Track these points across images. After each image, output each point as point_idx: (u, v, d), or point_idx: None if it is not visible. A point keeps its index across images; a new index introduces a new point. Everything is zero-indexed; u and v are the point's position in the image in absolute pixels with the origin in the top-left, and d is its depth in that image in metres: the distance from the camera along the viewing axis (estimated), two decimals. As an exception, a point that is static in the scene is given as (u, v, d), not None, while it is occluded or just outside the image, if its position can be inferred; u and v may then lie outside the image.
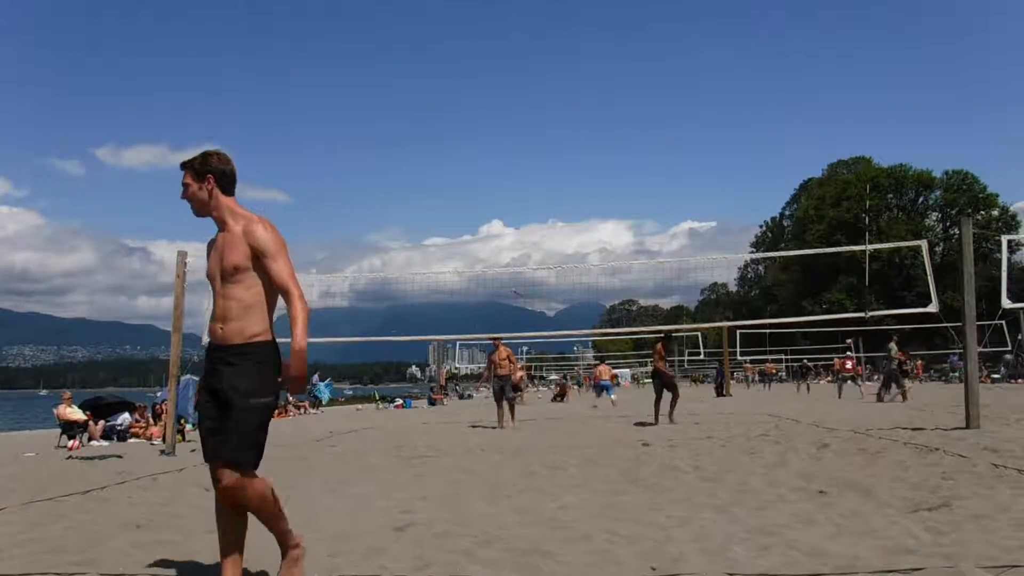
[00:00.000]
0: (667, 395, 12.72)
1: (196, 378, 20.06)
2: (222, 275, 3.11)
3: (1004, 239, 15.60)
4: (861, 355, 42.68)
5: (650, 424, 12.40)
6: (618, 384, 22.24)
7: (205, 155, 3.20)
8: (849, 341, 26.84)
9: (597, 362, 29.66)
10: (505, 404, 13.52)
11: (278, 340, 3.21)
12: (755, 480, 5.93)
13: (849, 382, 23.29)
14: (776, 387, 37.94)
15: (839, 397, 21.61)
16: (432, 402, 31.09)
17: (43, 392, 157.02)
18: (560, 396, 30.13)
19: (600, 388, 23.29)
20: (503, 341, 14.28)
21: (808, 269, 61.22)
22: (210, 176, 3.17)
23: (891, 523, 4.16)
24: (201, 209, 3.21)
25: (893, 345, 18.10)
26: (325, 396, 28.63)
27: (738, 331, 37.66)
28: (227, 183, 3.22)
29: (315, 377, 31.02)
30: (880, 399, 17.73)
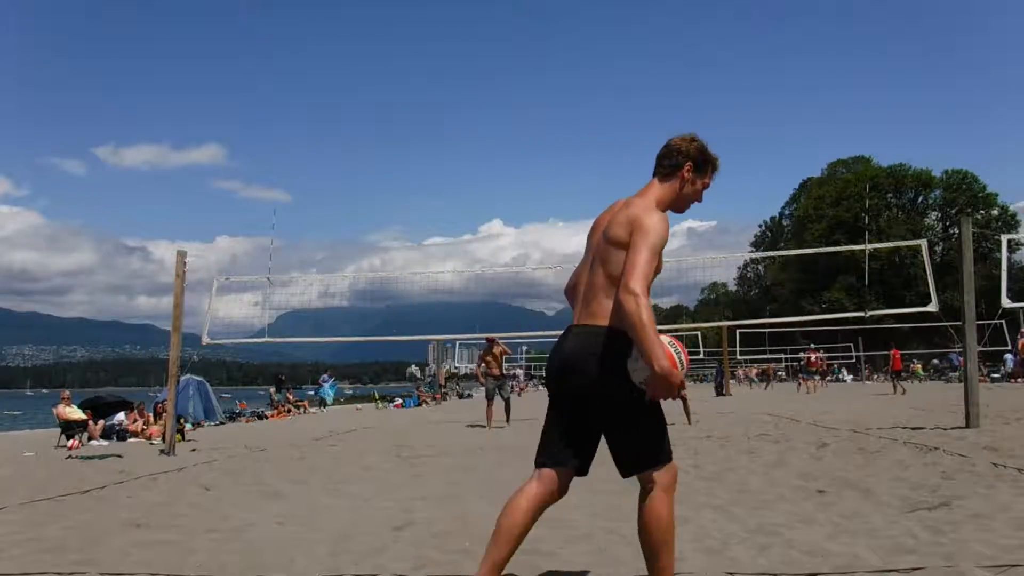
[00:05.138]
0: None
1: (196, 378, 20.06)
2: None
3: (1004, 239, 15.63)
4: (861, 353, 42.76)
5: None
6: None
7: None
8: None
9: None
10: (501, 404, 13.62)
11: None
12: (754, 480, 5.94)
13: (817, 376, 28.06)
14: (775, 386, 37.94)
15: (812, 391, 26.05)
16: (417, 402, 29.77)
17: (30, 392, 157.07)
18: None
19: None
20: (502, 340, 14.43)
21: (807, 269, 61.21)
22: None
23: (890, 522, 4.16)
24: None
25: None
26: (330, 397, 28.63)
27: (738, 331, 37.70)
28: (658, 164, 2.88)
29: (323, 376, 31.08)
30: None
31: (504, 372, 14.25)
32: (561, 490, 2.76)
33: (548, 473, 2.74)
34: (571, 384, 2.71)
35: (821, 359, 29.52)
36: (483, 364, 13.99)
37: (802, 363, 30.37)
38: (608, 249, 2.68)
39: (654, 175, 2.85)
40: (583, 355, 2.66)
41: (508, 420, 13.51)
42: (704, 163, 2.82)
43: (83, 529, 4.69)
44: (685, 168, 2.79)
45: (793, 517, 4.40)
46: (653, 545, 2.68)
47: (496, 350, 13.97)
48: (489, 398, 13.76)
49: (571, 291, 2.92)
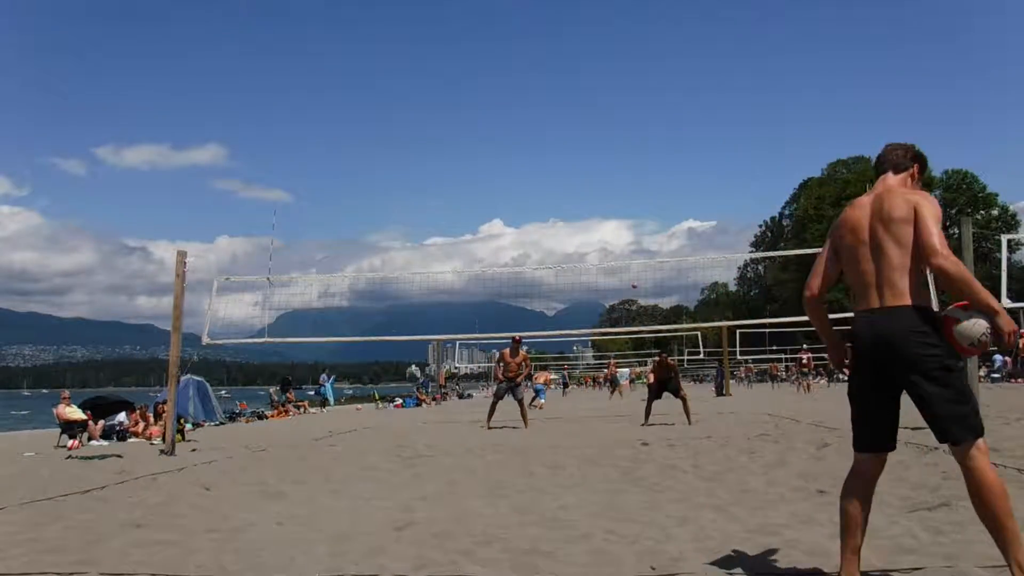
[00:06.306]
0: (674, 399, 12.96)
1: (196, 378, 20.05)
2: None
3: (1004, 239, 15.59)
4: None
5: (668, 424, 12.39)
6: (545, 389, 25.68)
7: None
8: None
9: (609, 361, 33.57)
10: (510, 405, 13.43)
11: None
12: (754, 480, 5.94)
13: (810, 376, 29.38)
14: (777, 386, 37.94)
15: (806, 391, 27.03)
16: (417, 402, 29.83)
17: (27, 392, 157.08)
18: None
19: (534, 392, 24.60)
20: (502, 339, 14.19)
21: (808, 269, 61.15)
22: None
23: (891, 523, 4.16)
24: None
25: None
26: (331, 397, 28.71)
27: (738, 331, 37.67)
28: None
29: (323, 376, 31.17)
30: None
31: (519, 378, 13.32)
32: (879, 473, 3.06)
33: (868, 458, 3.06)
34: (892, 365, 2.88)
35: (811, 359, 30.81)
36: (503, 363, 13.30)
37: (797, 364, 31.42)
38: (898, 229, 2.88)
39: (884, 172, 3.12)
40: (901, 334, 2.81)
41: (526, 423, 12.94)
42: (924, 167, 3.20)
43: (83, 529, 4.69)
44: (915, 168, 3.15)
45: (793, 517, 4.40)
46: (995, 513, 2.76)
47: (519, 357, 13.24)
48: (499, 397, 13.39)
49: (813, 299, 3.27)
